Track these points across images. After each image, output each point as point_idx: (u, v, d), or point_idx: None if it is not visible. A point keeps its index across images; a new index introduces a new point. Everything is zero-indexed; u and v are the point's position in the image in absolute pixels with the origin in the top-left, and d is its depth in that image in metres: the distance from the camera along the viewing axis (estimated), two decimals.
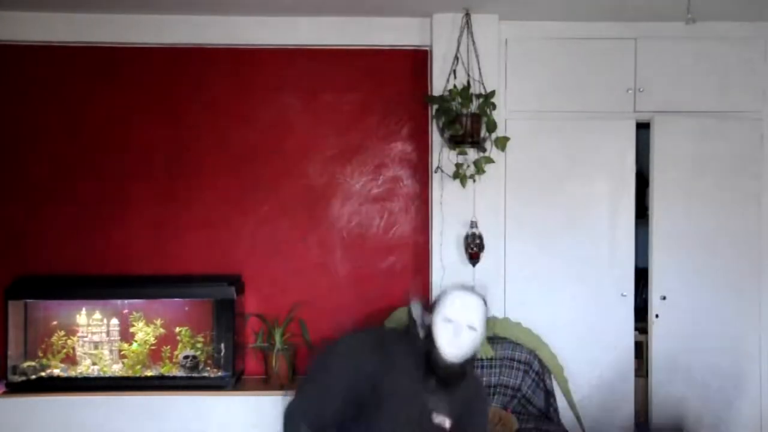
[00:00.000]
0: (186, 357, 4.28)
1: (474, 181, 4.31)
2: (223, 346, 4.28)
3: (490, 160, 4.26)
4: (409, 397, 2.40)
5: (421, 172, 4.55)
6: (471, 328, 2.41)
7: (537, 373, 4.24)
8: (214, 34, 4.44)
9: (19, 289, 4.20)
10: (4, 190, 4.44)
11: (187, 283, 4.33)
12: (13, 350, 4.21)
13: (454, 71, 4.32)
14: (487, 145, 4.30)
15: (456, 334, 2.38)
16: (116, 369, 4.30)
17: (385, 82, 4.55)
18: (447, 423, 2.44)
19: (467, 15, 4.34)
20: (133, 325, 4.35)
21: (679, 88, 4.54)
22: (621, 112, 4.55)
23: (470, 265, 4.35)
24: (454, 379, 2.43)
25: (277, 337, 4.32)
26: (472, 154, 4.30)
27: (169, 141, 4.50)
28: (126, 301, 4.37)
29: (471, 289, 2.56)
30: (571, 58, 4.54)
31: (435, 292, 4.40)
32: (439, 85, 4.34)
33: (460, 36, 4.34)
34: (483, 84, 4.31)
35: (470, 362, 2.49)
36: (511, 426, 3.95)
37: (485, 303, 2.50)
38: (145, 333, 4.33)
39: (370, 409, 2.36)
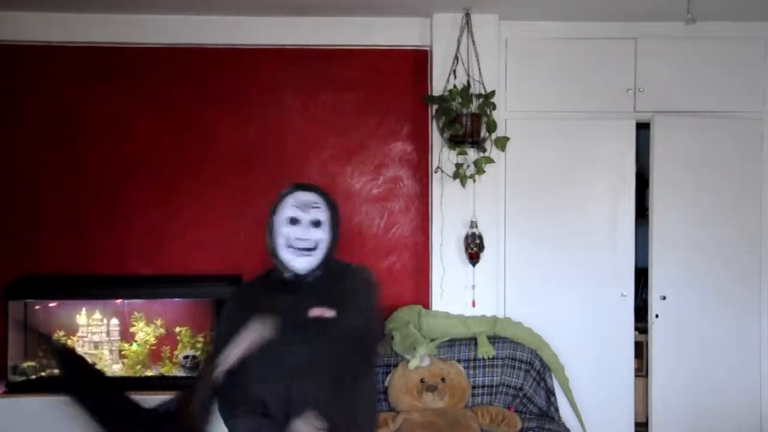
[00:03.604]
0: (186, 357, 4.28)
1: (474, 181, 4.31)
2: None
3: (490, 160, 4.26)
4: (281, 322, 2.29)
5: (421, 172, 4.55)
6: (315, 223, 2.36)
7: (538, 373, 4.24)
8: (214, 34, 4.44)
9: (19, 289, 4.19)
10: (4, 190, 4.44)
11: (187, 283, 4.33)
12: (13, 350, 4.21)
13: (454, 71, 4.32)
14: (487, 145, 4.30)
15: (303, 233, 2.34)
16: (116, 369, 4.30)
17: (385, 82, 4.55)
18: (328, 312, 2.31)
19: (467, 15, 4.34)
20: (134, 325, 4.34)
21: (679, 88, 4.55)
22: (621, 112, 4.55)
23: (470, 265, 4.36)
24: (317, 287, 2.36)
25: None
26: (472, 154, 4.30)
27: (168, 141, 4.50)
28: (126, 301, 4.37)
29: (308, 186, 2.48)
30: (571, 58, 4.54)
31: (435, 291, 4.41)
32: (439, 85, 4.34)
33: (460, 36, 4.34)
34: (483, 84, 4.31)
35: (330, 263, 2.40)
36: (515, 425, 3.97)
37: (327, 198, 2.44)
38: (145, 333, 4.33)
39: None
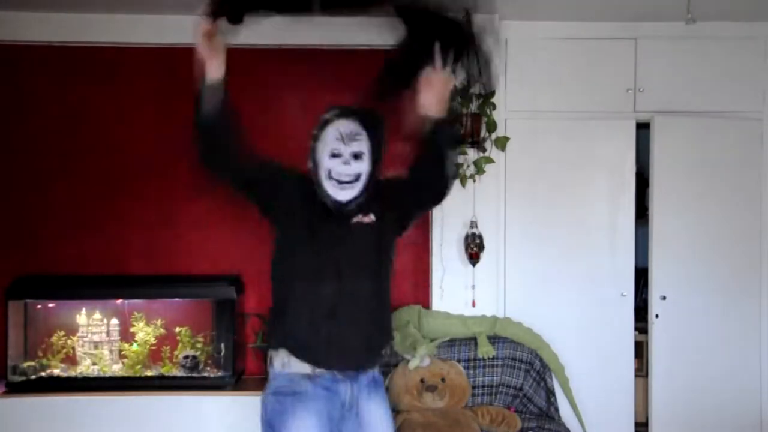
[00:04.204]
0: (186, 357, 4.28)
1: (474, 181, 4.31)
2: (223, 346, 4.28)
3: (490, 160, 4.26)
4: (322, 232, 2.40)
5: None
6: (355, 155, 2.40)
7: (538, 373, 4.24)
8: None
9: (19, 289, 4.19)
10: (4, 190, 4.44)
11: (187, 283, 4.33)
12: (13, 350, 4.21)
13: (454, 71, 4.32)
14: (487, 145, 4.30)
15: (344, 167, 2.39)
16: (116, 369, 4.30)
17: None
18: (368, 218, 2.40)
19: (467, 15, 4.33)
20: (134, 325, 4.34)
21: (679, 88, 4.55)
22: (621, 112, 4.55)
23: (470, 265, 4.36)
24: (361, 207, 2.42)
25: None
26: (472, 154, 4.30)
27: (168, 140, 4.49)
28: (126, 301, 4.37)
29: (351, 111, 2.49)
30: (571, 58, 4.54)
31: (435, 291, 4.40)
32: None
33: None
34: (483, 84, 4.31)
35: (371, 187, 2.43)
36: (515, 425, 3.97)
37: (370, 123, 2.45)
38: (145, 333, 4.33)
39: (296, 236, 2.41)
